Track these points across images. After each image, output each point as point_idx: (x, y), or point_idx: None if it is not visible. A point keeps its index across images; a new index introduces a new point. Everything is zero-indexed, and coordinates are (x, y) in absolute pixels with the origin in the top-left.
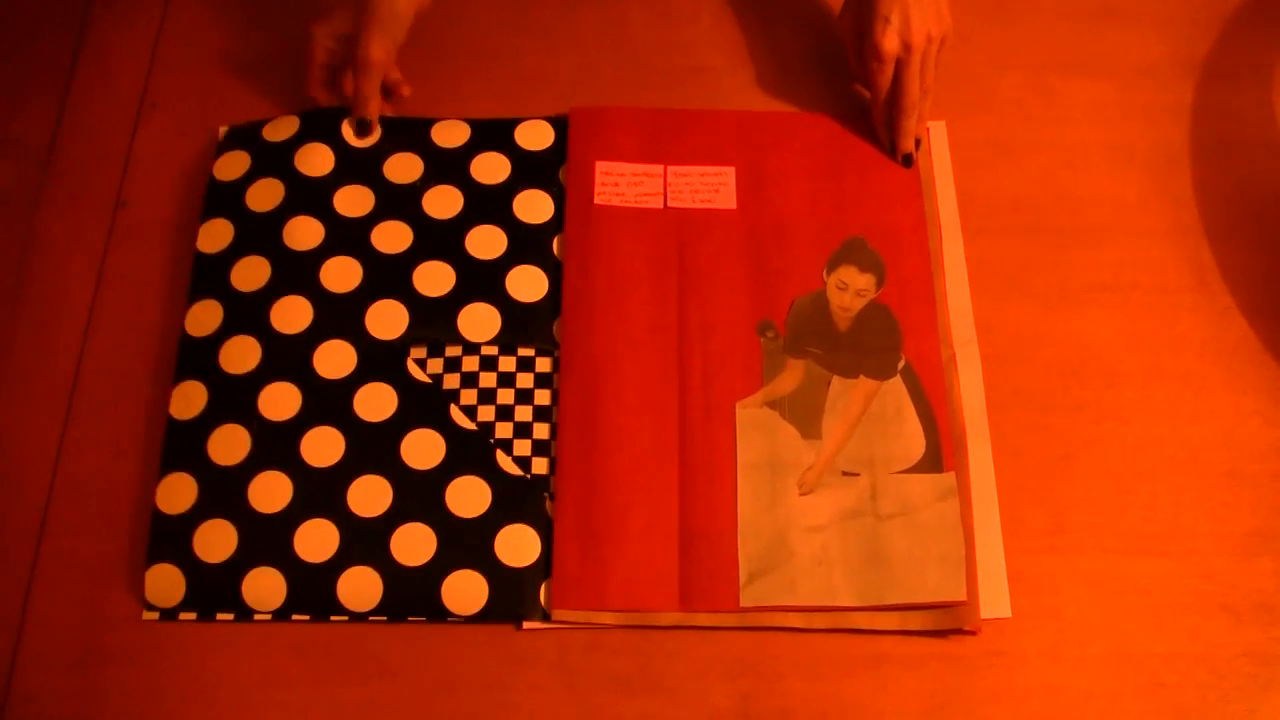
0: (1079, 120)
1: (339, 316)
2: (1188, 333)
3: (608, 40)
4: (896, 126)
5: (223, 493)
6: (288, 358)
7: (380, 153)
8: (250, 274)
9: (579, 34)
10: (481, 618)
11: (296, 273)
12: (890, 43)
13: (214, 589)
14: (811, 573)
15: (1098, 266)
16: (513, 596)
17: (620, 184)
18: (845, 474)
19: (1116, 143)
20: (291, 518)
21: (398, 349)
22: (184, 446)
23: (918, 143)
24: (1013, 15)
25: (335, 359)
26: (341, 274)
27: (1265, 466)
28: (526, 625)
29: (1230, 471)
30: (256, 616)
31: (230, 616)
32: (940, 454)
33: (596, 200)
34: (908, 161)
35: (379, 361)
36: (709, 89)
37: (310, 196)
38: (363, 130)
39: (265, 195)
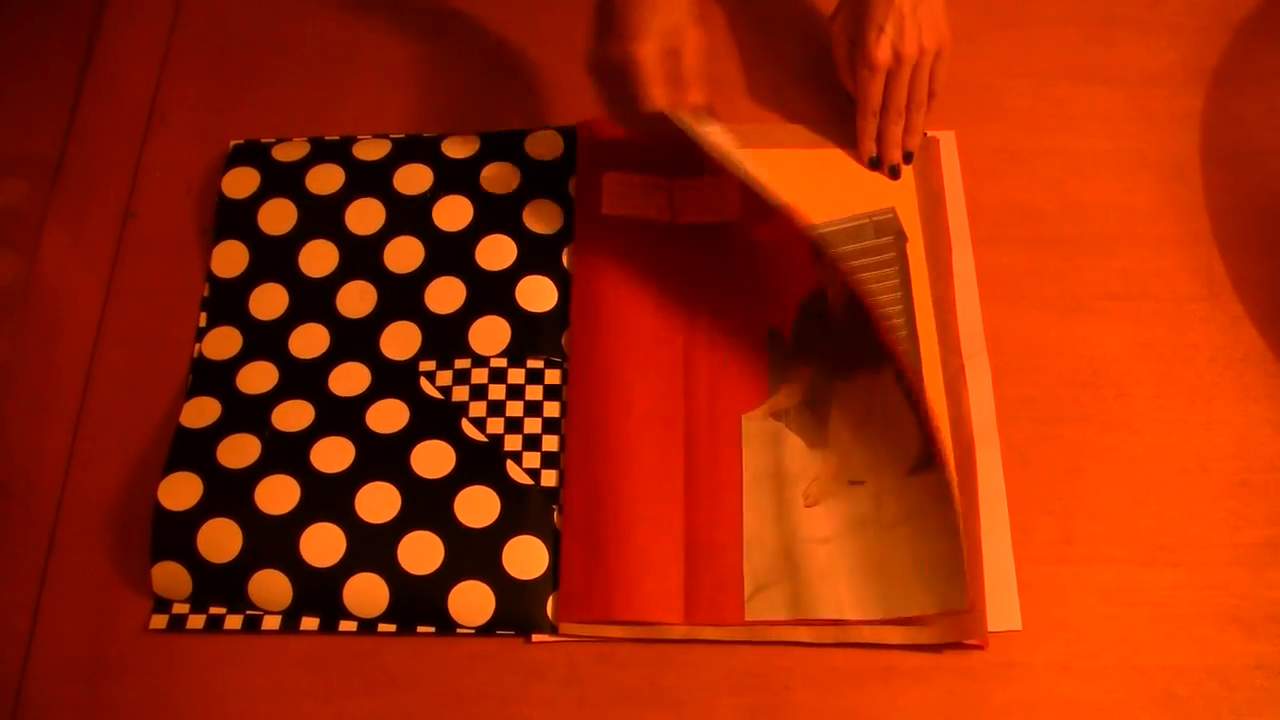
0: (1088, 128)
1: (355, 341)
2: (1198, 341)
3: None
4: (884, 136)
5: (228, 493)
6: (304, 379)
7: (390, 164)
8: (268, 302)
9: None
10: (488, 629)
11: (313, 300)
12: (883, 52)
13: (220, 588)
14: (816, 586)
15: (1107, 275)
16: (520, 609)
17: (628, 195)
18: (852, 483)
19: (1126, 150)
20: (298, 521)
21: (411, 368)
22: (191, 450)
23: (909, 156)
24: (1021, 23)
25: (350, 379)
26: (357, 299)
27: (1277, 476)
28: (535, 638)
29: (1242, 481)
30: (265, 619)
31: (238, 625)
32: (946, 464)
33: (604, 211)
34: (895, 173)
35: (392, 379)
36: (716, 100)
37: (323, 217)
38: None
39: (278, 217)
